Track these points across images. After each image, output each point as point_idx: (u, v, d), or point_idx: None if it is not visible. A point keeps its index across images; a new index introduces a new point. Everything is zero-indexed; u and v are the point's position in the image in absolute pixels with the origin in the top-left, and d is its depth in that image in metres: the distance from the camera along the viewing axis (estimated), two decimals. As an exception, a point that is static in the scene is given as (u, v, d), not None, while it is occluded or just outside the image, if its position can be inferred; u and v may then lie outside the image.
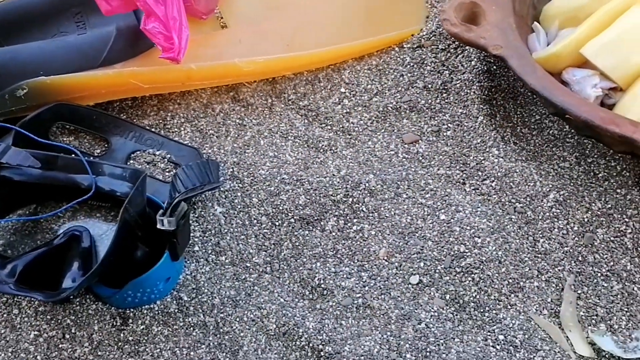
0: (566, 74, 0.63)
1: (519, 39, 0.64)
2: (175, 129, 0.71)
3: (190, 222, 0.64)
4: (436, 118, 0.71)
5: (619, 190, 0.63)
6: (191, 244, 0.63)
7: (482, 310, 0.59)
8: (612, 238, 0.61)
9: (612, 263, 0.60)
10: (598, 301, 0.59)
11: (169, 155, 0.68)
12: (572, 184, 0.64)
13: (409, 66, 0.75)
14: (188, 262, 0.63)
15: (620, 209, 0.62)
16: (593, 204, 0.63)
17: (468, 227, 0.62)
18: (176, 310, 0.60)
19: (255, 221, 0.65)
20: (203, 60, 0.71)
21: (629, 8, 0.60)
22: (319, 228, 0.65)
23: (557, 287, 0.60)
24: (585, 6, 0.65)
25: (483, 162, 0.66)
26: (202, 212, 0.65)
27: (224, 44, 0.74)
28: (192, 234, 0.64)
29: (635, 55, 0.59)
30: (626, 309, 0.58)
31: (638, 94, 0.59)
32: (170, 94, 0.74)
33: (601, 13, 0.61)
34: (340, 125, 0.72)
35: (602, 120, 0.56)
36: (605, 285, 0.59)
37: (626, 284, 0.59)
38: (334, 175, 0.67)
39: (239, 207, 0.66)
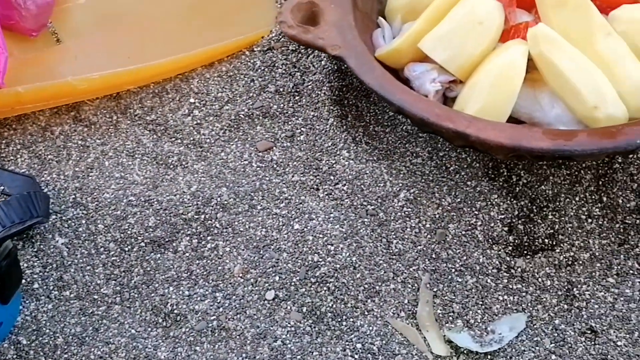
0: (407, 70, 0.62)
1: (358, 37, 0.62)
2: (11, 157, 0.67)
3: (28, 257, 0.60)
4: (289, 123, 0.69)
5: (469, 183, 0.63)
6: (29, 282, 0.59)
7: (339, 320, 0.57)
8: (463, 232, 0.61)
9: (465, 257, 0.60)
10: (454, 297, 0.58)
11: (1, 187, 0.63)
12: (423, 181, 0.63)
13: (259, 70, 0.73)
14: (27, 301, 0.58)
15: (469, 202, 0.62)
16: (443, 200, 0.62)
17: (321, 235, 0.61)
18: (14, 357, 0.56)
19: (102, 249, 0.61)
20: (36, 81, 0.66)
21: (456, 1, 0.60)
22: (171, 250, 0.62)
23: (413, 288, 0.59)
24: (419, 0, 0.64)
25: (335, 165, 0.65)
26: (42, 246, 0.61)
27: (58, 62, 0.69)
28: (31, 270, 0.59)
29: (469, 47, 0.59)
30: (481, 302, 0.58)
31: (475, 85, 0.58)
32: (5, 119, 0.69)
33: (435, 5, 0.61)
34: (191, 138, 0.69)
35: (437, 117, 0.55)
36: (460, 280, 0.59)
37: (479, 277, 0.59)
38: (184, 192, 0.64)
39: (83, 235, 0.62)
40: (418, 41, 0.61)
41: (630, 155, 0.63)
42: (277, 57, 0.73)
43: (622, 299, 0.56)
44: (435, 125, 0.55)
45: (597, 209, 0.61)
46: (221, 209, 0.63)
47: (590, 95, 0.55)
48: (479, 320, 0.57)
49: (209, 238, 0.62)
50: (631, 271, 0.57)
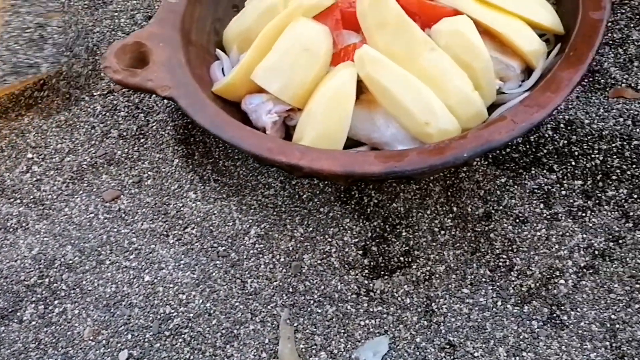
0: (243, 103, 0.61)
1: (189, 75, 0.60)
2: None
3: None
4: (136, 168, 0.66)
5: (322, 209, 0.62)
6: None
7: (199, 371, 0.55)
8: (318, 261, 0.60)
9: (322, 287, 0.59)
10: (315, 329, 0.57)
11: None
12: (275, 213, 0.62)
13: (100, 115, 0.69)
14: None
15: (322, 230, 0.61)
16: (296, 230, 0.61)
17: (172, 285, 0.58)
18: None
19: (-63, 331, 0.56)
20: None
21: (286, 27, 0.59)
22: (15, 320, 0.58)
23: (273, 326, 0.57)
24: (252, 28, 0.62)
25: (182, 208, 0.62)
26: None
27: None
28: None
29: (300, 74, 0.58)
30: (343, 331, 0.57)
31: (310, 112, 0.57)
32: None
33: (262, 35, 0.59)
34: (31, 197, 0.65)
35: (269, 151, 0.54)
36: (320, 311, 0.58)
37: (339, 304, 0.58)
38: (25, 256, 0.60)
39: None
40: (251, 72, 0.60)
41: (474, 162, 0.63)
42: (118, 100, 0.70)
43: (476, 308, 0.57)
44: (269, 159, 0.54)
45: (449, 220, 0.61)
46: (66, 270, 0.60)
47: (420, 112, 0.55)
48: (343, 349, 0.56)
49: (55, 302, 0.58)
50: (483, 279, 0.58)
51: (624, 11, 0.72)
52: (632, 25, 0.70)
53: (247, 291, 0.58)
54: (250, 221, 0.61)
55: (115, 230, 0.62)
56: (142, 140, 0.68)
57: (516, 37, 0.58)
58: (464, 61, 0.57)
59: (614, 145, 0.61)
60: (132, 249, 0.61)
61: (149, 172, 0.66)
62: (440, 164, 0.52)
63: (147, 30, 0.63)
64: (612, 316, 0.54)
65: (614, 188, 0.59)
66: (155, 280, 0.59)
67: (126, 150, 0.67)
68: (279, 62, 0.58)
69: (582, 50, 0.56)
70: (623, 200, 0.58)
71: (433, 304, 0.58)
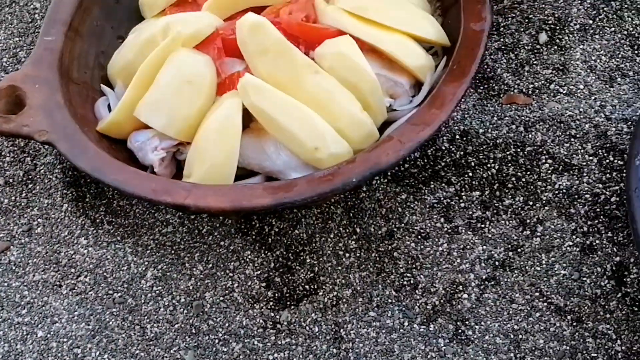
0: (129, 141, 0.58)
1: (69, 116, 0.57)
2: None
3: None
4: (25, 215, 0.63)
5: (222, 243, 0.60)
6: None
7: None
8: (221, 298, 0.58)
9: (227, 324, 0.57)
10: (222, 370, 0.55)
11: None
12: (173, 252, 0.60)
13: (-16, 163, 0.66)
14: None
15: (223, 265, 0.59)
16: (195, 268, 0.59)
17: (66, 339, 0.55)
18: None
19: None
20: None
21: (165, 61, 0.57)
22: None
23: (178, 370, 0.55)
24: (134, 62, 0.60)
25: (74, 256, 0.60)
26: None
27: None
28: None
29: (184, 108, 0.56)
30: (251, 368, 0.55)
31: (197, 146, 0.55)
32: None
33: (142, 70, 0.57)
34: None
35: (154, 192, 0.51)
36: (226, 349, 0.56)
37: (246, 340, 0.56)
38: None
39: None
40: (133, 109, 0.57)
41: (374, 181, 0.62)
42: (2, 145, 0.67)
43: (384, 331, 0.56)
44: (154, 201, 0.51)
45: (352, 242, 0.60)
46: (-47, 333, 0.56)
47: (308, 138, 0.54)
48: (252, 388, 0.54)
49: (-57, 369, 0.55)
50: (389, 300, 0.57)
51: (514, 15, 0.72)
52: (522, 29, 0.71)
53: (147, 337, 0.56)
54: (147, 263, 0.59)
55: (6, 284, 0.59)
56: (30, 186, 0.64)
57: (401, 54, 0.57)
58: (350, 82, 0.56)
59: (508, 153, 0.61)
60: (24, 303, 0.58)
61: (39, 220, 0.62)
62: (329, 192, 0.50)
63: (22, 72, 0.60)
64: (515, 327, 0.54)
65: (510, 196, 0.59)
66: (49, 336, 0.56)
67: (14, 197, 0.64)
68: (162, 97, 0.56)
69: (465, 63, 0.55)
70: (519, 208, 0.59)
71: (341, 330, 0.57)
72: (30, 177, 0.65)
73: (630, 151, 0.47)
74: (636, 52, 0.68)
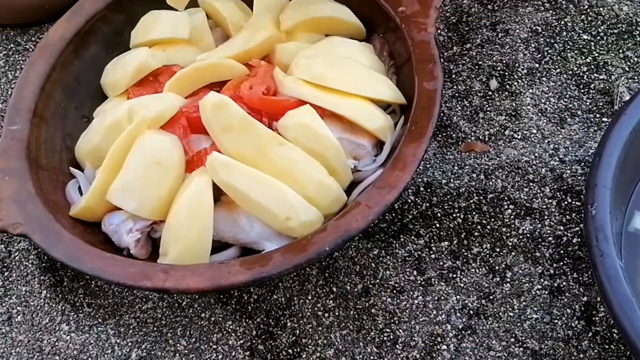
0: (104, 225, 0.59)
1: (41, 206, 0.58)
2: None
3: None
4: (4, 304, 0.63)
5: (203, 315, 0.61)
6: None
7: None
8: (206, 372, 0.58)
9: (215, 397, 0.57)
10: None
11: None
12: (155, 329, 0.60)
13: (-43, 255, 0.66)
14: None
15: (206, 338, 0.60)
16: (179, 344, 0.60)
17: None
18: None
19: None
20: None
21: (133, 144, 0.58)
22: None
23: None
24: (101, 145, 0.61)
25: (57, 343, 0.60)
26: None
27: None
28: None
29: (155, 189, 0.57)
30: None
31: (171, 226, 0.56)
32: None
33: (111, 154, 0.58)
34: None
35: (133, 278, 0.52)
36: (216, 423, 0.56)
37: (235, 412, 0.57)
38: None
39: None
40: (105, 193, 0.58)
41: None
42: (-25, 235, 0.67)
43: (368, 389, 0.57)
44: (135, 286, 0.52)
45: (330, 301, 0.62)
46: None
47: (279, 209, 0.55)
48: None
49: None
50: (372, 357, 0.58)
51: (464, 62, 0.76)
52: (472, 76, 0.74)
53: (137, 419, 0.56)
54: (130, 344, 0.59)
55: (-11, 377, 0.59)
56: (6, 274, 0.65)
57: (361, 118, 0.60)
58: (314, 150, 0.58)
59: (471, 201, 0.64)
60: (10, 396, 0.58)
61: (18, 308, 0.63)
62: (305, 262, 0.52)
63: (-10, 165, 0.61)
64: (495, 374, 0.56)
65: (477, 244, 0.62)
66: None
67: (-10, 288, 0.64)
68: (132, 180, 0.57)
69: (423, 123, 0.58)
70: (488, 256, 0.61)
71: (328, 391, 0.58)
72: (5, 265, 0.65)
73: (585, 200, 0.50)
74: (582, 91, 0.71)
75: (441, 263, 0.61)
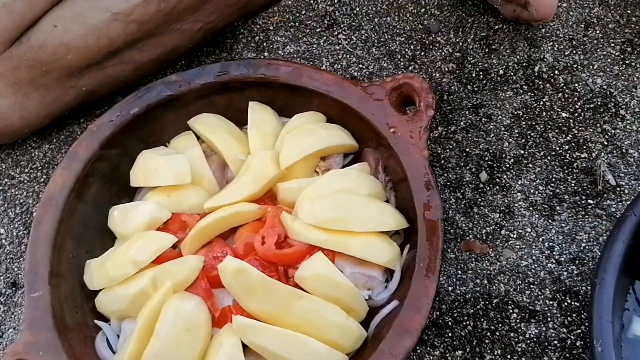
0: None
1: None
2: None
3: None
4: None
5: None
6: None
7: None
8: None
9: None
10: None
11: None
12: None
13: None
14: None
15: None
16: None
17: None
18: None
19: None
20: None
21: (161, 310, 0.61)
22: None
23: None
24: (126, 311, 0.64)
25: None
26: None
27: None
28: None
29: (186, 354, 0.60)
30: None
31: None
32: None
33: (142, 324, 0.61)
34: None
35: None
36: None
37: None
38: None
39: None
40: (139, 357, 0.61)
41: None
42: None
43: None
44: None
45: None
46: None
47: (307, 361, 0.59)
48: None
49: None
50: None
51: (451, 146, 0.79)
52: (462, 164, 0.77)
53: None
54: None
55: None
56: None
57: (370, 255, 0.63)
58: (331, 297, 0.61)
59: (478, 307, 0.68)
60: None
61: None
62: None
63: (22, 342, 0.63)
64: None
65: (489, 351, 0.66)
66: None
67: None
68: (164, 348, 0.60)
69: (431, 258, 0.62)
70: (500, 363, 0.66)
71: None
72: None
73: (590, 336, 0.55)
74: (566, 171, 0.75)
75: (458, 373, 0.66)
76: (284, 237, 0.64)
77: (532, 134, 0.77)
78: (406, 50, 0.84)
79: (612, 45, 0.82)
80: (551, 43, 0.82)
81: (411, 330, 0.59)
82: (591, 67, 0.80)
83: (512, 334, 0.67)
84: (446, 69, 0.82)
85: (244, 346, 0.61)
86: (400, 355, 0.58)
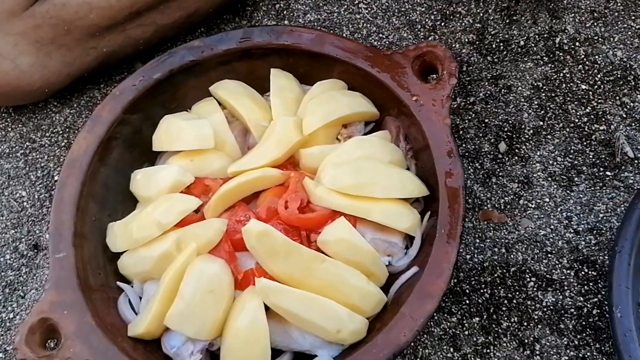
0: (164, 347, 0.64)
1: (104, 337, 0.62)
2: None
3: None
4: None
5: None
6: None
7: None
8: None
9: None
10: None
11: None
12: None
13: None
14: None
15: None
16: None
17: None
18: None
19: None
20: None
21: (185, 272, 0.62)
22: None
23: None
24: (150, 272, 0.65)
25: None
26: None
27: None
28: None
29: (210, 315, 0.61)
30: None
31: (230, 348, 0.61)
32: None
33: (165, 286, 0.62)
34: None
35: (208, 411, 0.57)
36: None
37: None
38: None
39: None
40: (162, 318, 0.62)
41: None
42: None
43: None
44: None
45: (376, 380, 0.68)
46: None
47: (329, 324, 0.60)
48: None
49: None
50: None
51: (469, 117, 0.79)
52: (480, 135, 0.78)
53: None
54: None
55: None
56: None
57: (391, 221, 0.64)
58: (353, 261, 0.62)
59: (496, 275, 0.69)
60: None
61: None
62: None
63: (47, 301, 0.64)
64: None
65: (506, 318, 0.67)
66: None
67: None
68: (188, 307, 0.61)
69: (452, 224, 0.62)
70: (516, 329, 0.67)
71: None
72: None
73: (609, 302, 0.56)
74: (584, 143, 0.75)
75: (474, 339, 0.67)
76: (307, 203, 0.65)
77: (551, 106, 0.78)
78: (426, 20, 0.84)
79: (633, 18, 0.81)
80: (573, 15, 0.82)
81: (432, 294, 0.60)
82: (612, 39, 0.80)
83: (528, 302, 0.68)
84: (466, 40, 0.82)
85: (267, 308, 0.62)
86: (420, 318, 0.59)
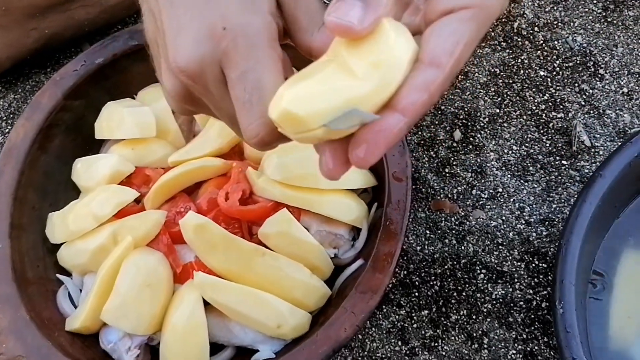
0: (102, 342, 0.62)
1: (39, 333, 0.60)
2: None
3: None
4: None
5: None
6: None
7: None
8: None
9: None
10: None
11: None
12: None
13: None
14: None
15: None
16: None
17: None
18: None
19: None
20: None
21: (121, 265, 0.60)
22: None
23: None
24: (87, 265, 0.63)
25: None
26: None
27: None
28: None
29: (147, 309, 0.59)
30: None
31: (167, 344, 0.59)
32: None
33: (102, 279, 0.60)
34: None
35: (142, 409, 0.56)
36: None
37: None
38: None
39: None
40: (99, 312, 0.60)
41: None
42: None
43: None
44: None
45: (323, 374, 0.66)
46: None
47: (270, 319, 0.58)
48: None
49: None
50: None
51: (426, 104, 0.77)
52: (436, 122, 0.76)
53: None
54: None
55: None
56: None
57: (337, 213, 0.62)
58: (296, 254, 0.60)
59: (446, 267, 0.68)
60: None
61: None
62: None
63: (-21, 296, 0.62)
64: None
65: (455, 311, 0.66)
66: None
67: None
68: (125, 302, 0.59)
69: (396, 218, 0.60)
70: (465, 323, 0.66)
71: None
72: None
73: (552, 298, 0.54)
74: (541, 131, 0.74)
75: (423, 332, 0.66)
76: (250, 194, 0.63)
77: (508, 93, 0.76)
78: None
79: (594, 2, 0.79)
80: (532, -2, 0.80)
81: (374, 289, 0.58)
82: (572, 24, 0.78)
83: (478, 295, 0.66)
84: (424, 24, 0.80)
85: (206, 303, 0.60)
86: (362, 314, 0.57)
